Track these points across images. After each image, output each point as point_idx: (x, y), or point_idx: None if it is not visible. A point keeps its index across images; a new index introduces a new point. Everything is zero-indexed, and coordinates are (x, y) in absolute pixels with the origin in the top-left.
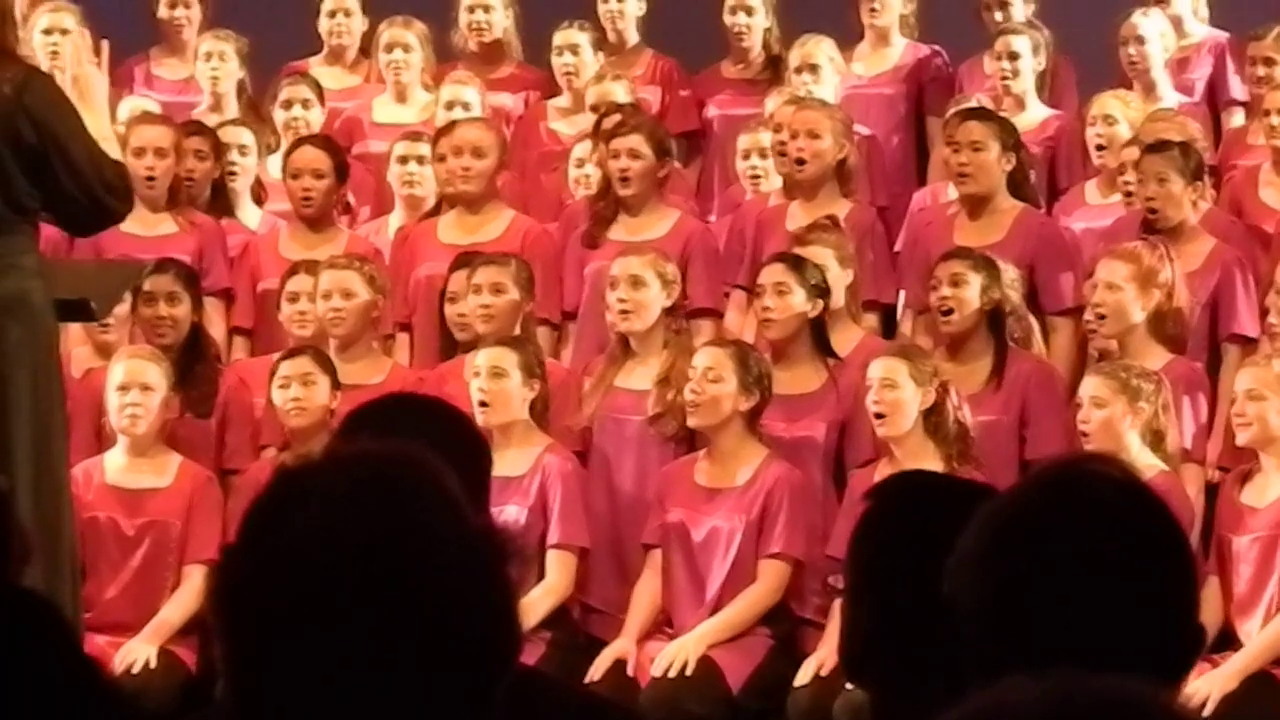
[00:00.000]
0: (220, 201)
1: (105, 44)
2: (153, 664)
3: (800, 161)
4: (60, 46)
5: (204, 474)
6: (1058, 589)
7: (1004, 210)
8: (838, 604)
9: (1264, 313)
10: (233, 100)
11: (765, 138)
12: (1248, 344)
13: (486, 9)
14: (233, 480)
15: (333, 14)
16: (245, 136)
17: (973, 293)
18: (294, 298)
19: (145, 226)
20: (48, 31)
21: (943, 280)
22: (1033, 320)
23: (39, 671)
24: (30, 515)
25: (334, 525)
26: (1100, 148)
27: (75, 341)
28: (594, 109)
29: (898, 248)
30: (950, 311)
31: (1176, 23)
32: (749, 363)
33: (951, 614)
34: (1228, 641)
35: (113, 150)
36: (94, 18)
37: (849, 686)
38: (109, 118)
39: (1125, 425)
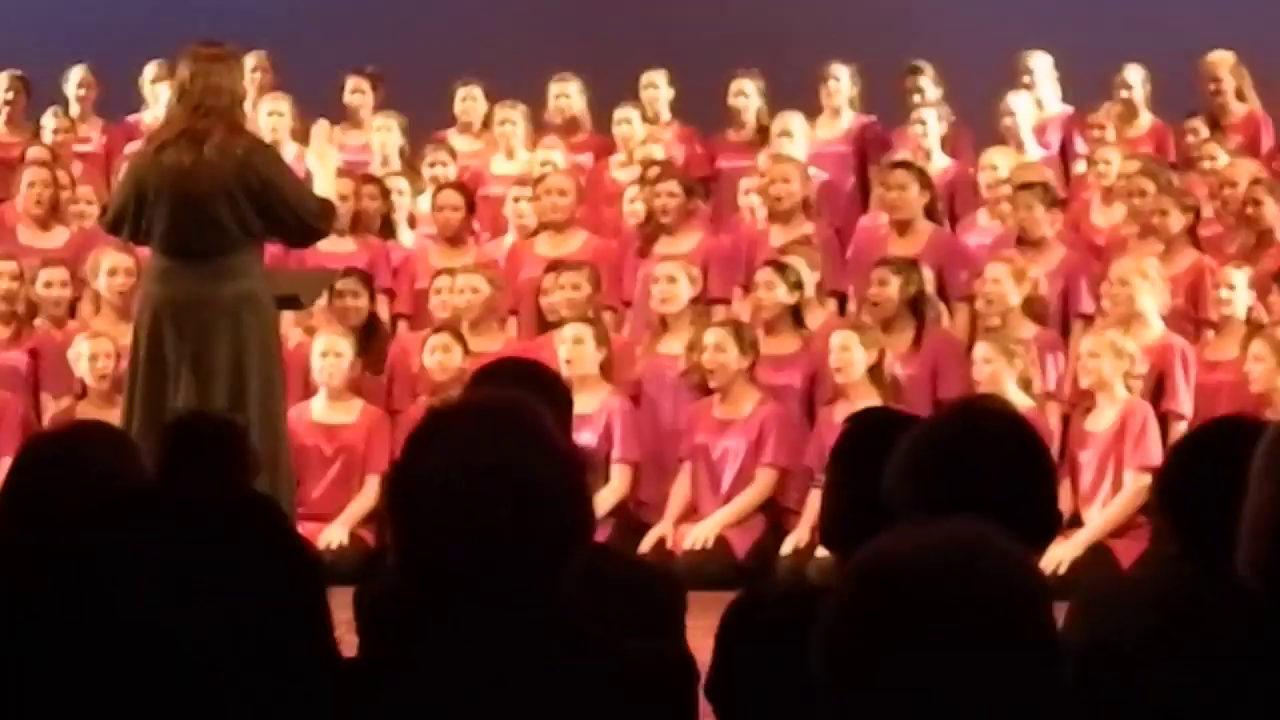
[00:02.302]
0: (386, 228)
1: (337, 129)
2: (345, 543)
3: (778, 199)
4: (278, 125)
5: (378, 413)
6: (963, 485)
7: (921, 230)
8: (813, 495)
9: (1099, 298)
10: (395, 159)
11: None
12: (1087, 319)
13: (567, 95)
14: (398, 417)
15: (464, 99)
16: (403, 184)
17: (893, 290)
18: (439, 292)
19: (335, 245)
20: (269, 114)
21: (873, 282)
22: (941, 305)
23: (267, 546)
24: (259, 442)
25: (468, 447)
26: (989, 186)
27: (290, 325)
28: (641, 163)
29: (849, 254)
30: (876, 305)
31: (1039, 101)
32: (743, 334)
33: (889, 506)
34: (1075, 524)
35: (330, 192)
36: (301, 103)
37: (818, 554)
38: (332, 173)
39: (1004, 375)
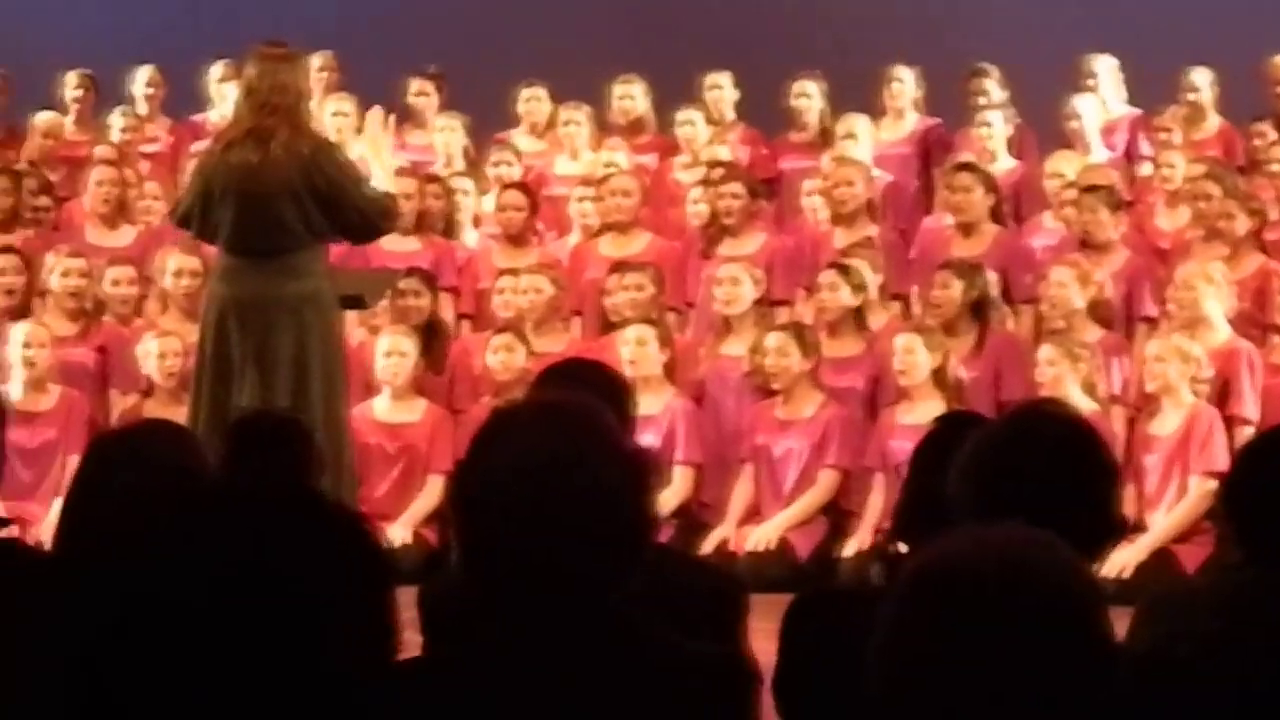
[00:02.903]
0: (449, 227)
1: (392, 117)
2: (407, 542)
3: (841, 202)
4: (342, 124)
5: (442, 412)
6: (1023, 489)
7: (985, 232)
8: (874, 497)
9: (1164, 301)
10: (459, 159)
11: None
12: (1151, 323)
13: (631, 97)
14: (460, 417)
15: (528, 100)
16: (467, 184)
17: (955, 293)
18: (502, 292)
19: (398, 244)
20: (334, 114)
21: (936, 284)
22: (1006, 308)
23: (333, 543)
24: (322, 441)
25: (531, 448)
26: (1055, 192)
27: (353, 324)
28: (705, 164)
29: (913, 256)
30: (937, 306)
31: (1104, 103)
32: (804, 336)
33: (953, 508)
34: (1139, 528)
35: (389, 185)
36: (366, 103)
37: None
38: (390, 163)
39: (1068, 379)
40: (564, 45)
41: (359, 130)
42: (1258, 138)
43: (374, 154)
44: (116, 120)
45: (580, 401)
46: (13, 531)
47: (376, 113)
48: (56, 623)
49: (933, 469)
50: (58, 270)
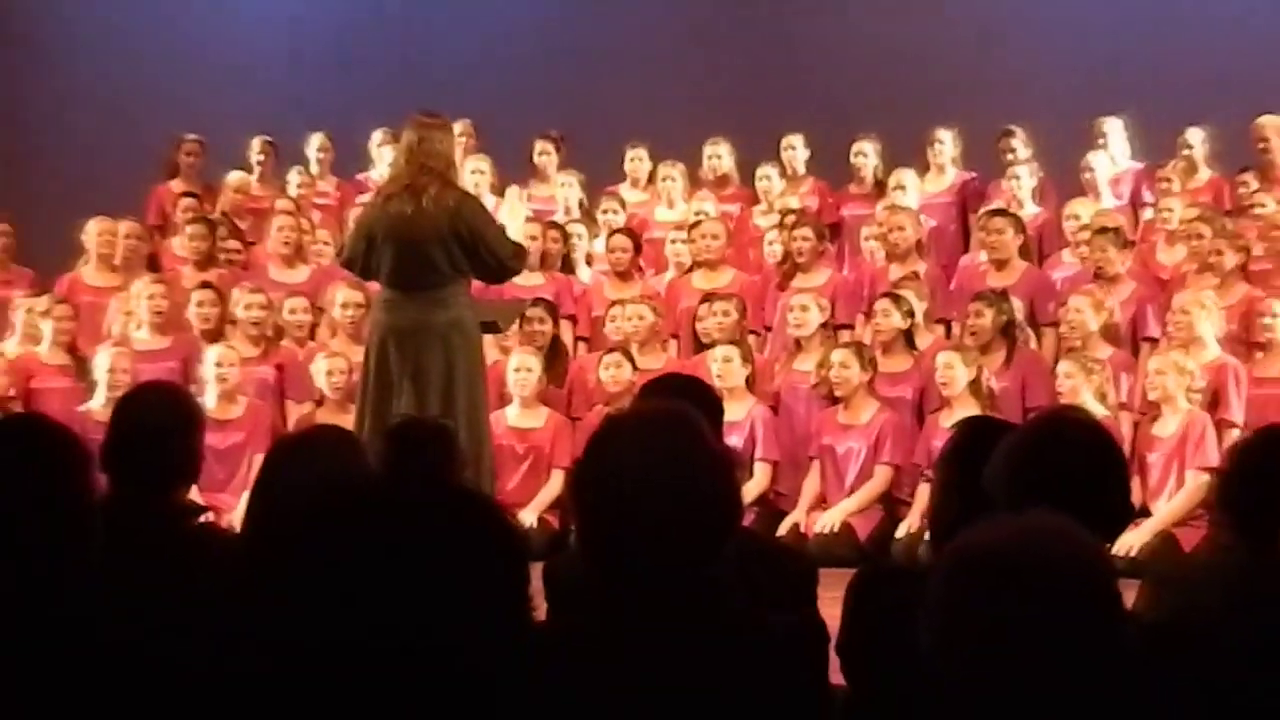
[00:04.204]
0: (568, 265)
1: (526, 191)
2: (534, 525)
3: (895, 244)
4: (480, 181)
5: (562, 418)
6: (1049, 482)
7: (1015, 267)
8: (923, 488)
9: (1164, 324)
10: (576, 209)
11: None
12: (1153, 342)
13: (719, 156)
14: (577, 423)
15: (632, 159)
16: (582, 229)
17: (987, 321)
18: (613, 319)
19: (526, 280)
20: (472, 172)
21: (970, 314)
22: (1029, 331)
23: (476, 524)
24: (465, 443)
25: (640, 448)
26: (1072, 232)
27: (489, 346)
28: (780, 212)
29: (953, 288)
30: (974, 334)
31: (1113, 158)
32: (863, 354)
33: (990, 501)
34: (1144, 514)
35: (518, 237)
36: (499, 163)
37: (928, 538)
38: (523, 225)
39: (1083, 389)
40: (662, 113)
41: (493, 186)
42: (1243, 186)
43: (512, 218)
44: (294, 178)
45: (678, 409)
46: (209, 518)
47: (516, 189)
48: (247, 594)
49: (958, 470)
50: (242, 303)
